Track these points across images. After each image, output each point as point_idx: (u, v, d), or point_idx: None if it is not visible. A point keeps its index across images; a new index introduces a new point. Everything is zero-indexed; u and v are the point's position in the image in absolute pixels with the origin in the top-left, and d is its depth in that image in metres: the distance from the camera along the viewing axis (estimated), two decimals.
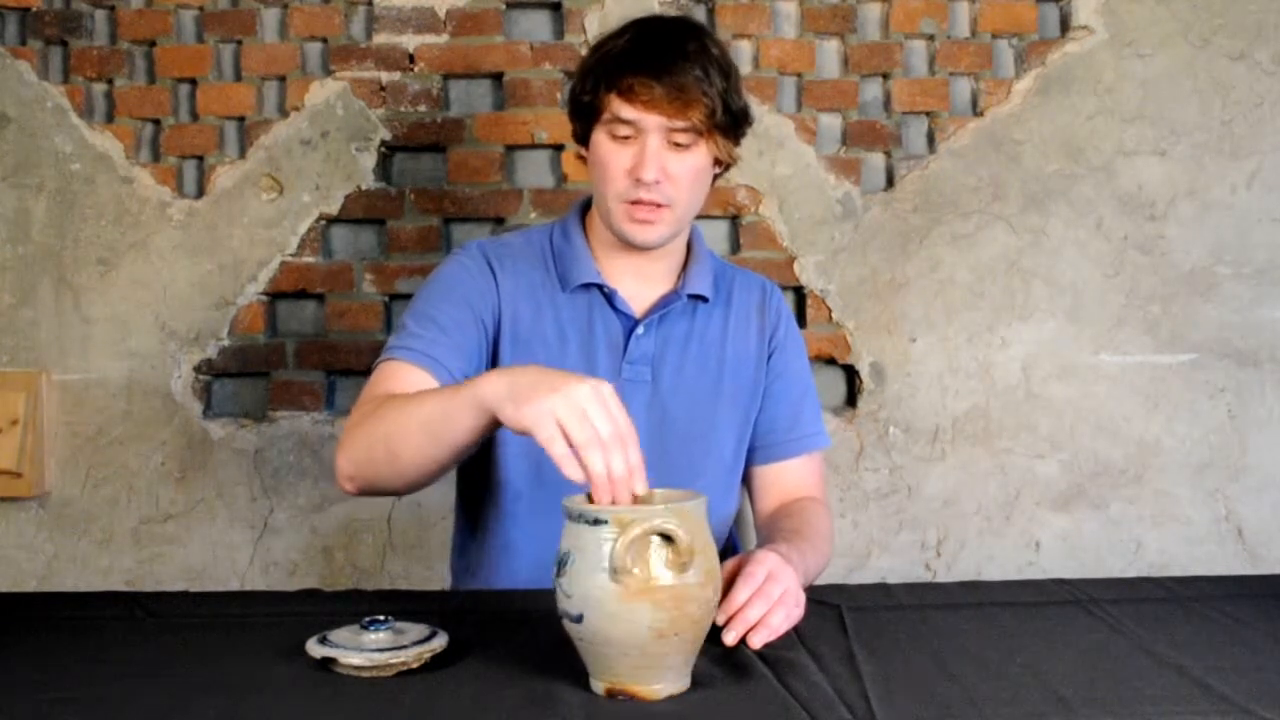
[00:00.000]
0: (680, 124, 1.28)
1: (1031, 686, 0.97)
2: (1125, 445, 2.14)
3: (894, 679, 0.98)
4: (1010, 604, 1.24)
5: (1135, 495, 2.14)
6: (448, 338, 1.31)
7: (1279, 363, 2.14)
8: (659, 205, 1.31)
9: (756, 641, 1.03)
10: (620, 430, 0.97)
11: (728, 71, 1.32)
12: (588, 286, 1.39)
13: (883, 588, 1.34)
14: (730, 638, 1.02)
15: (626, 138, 1.30)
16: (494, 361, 1.37)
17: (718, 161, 1.36)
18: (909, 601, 1.26)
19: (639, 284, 1.40)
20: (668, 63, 1.27)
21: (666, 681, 0.95)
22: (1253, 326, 2.14)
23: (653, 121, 1.28)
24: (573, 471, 0.96)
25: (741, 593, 1.05)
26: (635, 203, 1.30)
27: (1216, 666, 1.01)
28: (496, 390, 1.04)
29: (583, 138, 1.37)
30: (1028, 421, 2.13)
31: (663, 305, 1.40)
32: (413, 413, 1.15)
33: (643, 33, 1.32)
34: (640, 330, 1.38)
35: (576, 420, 0.96)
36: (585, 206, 1.45)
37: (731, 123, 1.32)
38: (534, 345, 1.37)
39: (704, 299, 1.43)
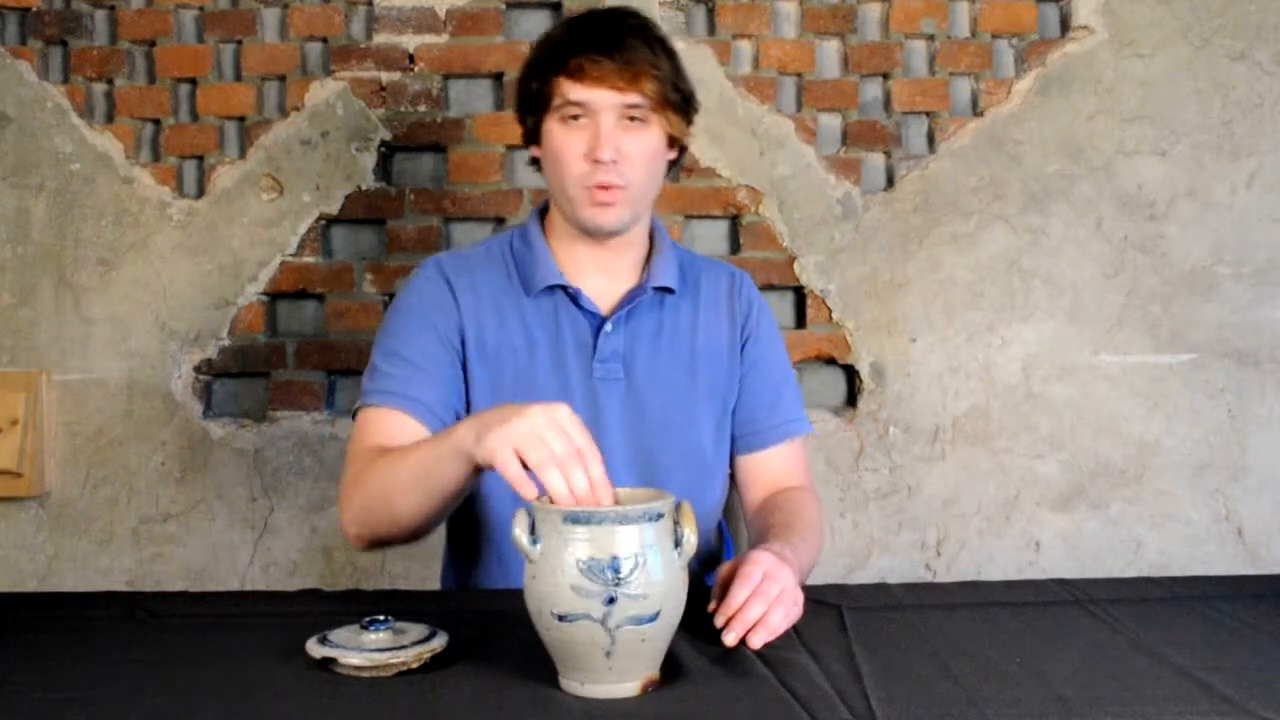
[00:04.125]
0: (633, 99, 1.28)
1: (1031, 686, 0.97)
2: (1125, 445, 2.14)
3: (894, 679, 0.99)
4: (1010, 604, 1.24)
5: (1135, 495, 2.14)
6: (420, 372, 1.32)
7: (1279, 363, 2.14)
8: (617, 187, 1.30)
9: (756, 641, 1.03)
10: (577, 446, 0.99)
11: (671, 53, 1.33)
12: (551, 289, 1.38)
13: (883, 588, 1.34)
14: (730, 638, 1.03)
15: (578, 118, 1.29)
16: (466, 377, 1.37)
17: (672, 144, 1.36)
18: (909, 601, 1.26)
19: (603, 281, 1.39)
20: (614, 39, 1.28)
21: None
22: (1253, 326, 2.14)
23: (604, 99, 1.28)
24: (527, 490, 0.99)
25: (740, 593, 1.05)
26: (596, 186, 1.30)
27: (1216, 666, 1.01)
28: (466, 434, 1.07)
29: (534, 134, 1.36)
30: (1028, 421, 2.13)
31: (629, 300, 1.39)
32: (403, 469, 1.18)
33: (583, 19, 1.35)
34: (608, 327, 1.37)
35: (532, 445, 0.99)
36: (544, 211, 1.45)
37: (682, 102, 1.33)
38: (502, 354, 1.36)
39: (670, 290, 1.41)
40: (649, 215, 1.42)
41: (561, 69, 1.29)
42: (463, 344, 1.36)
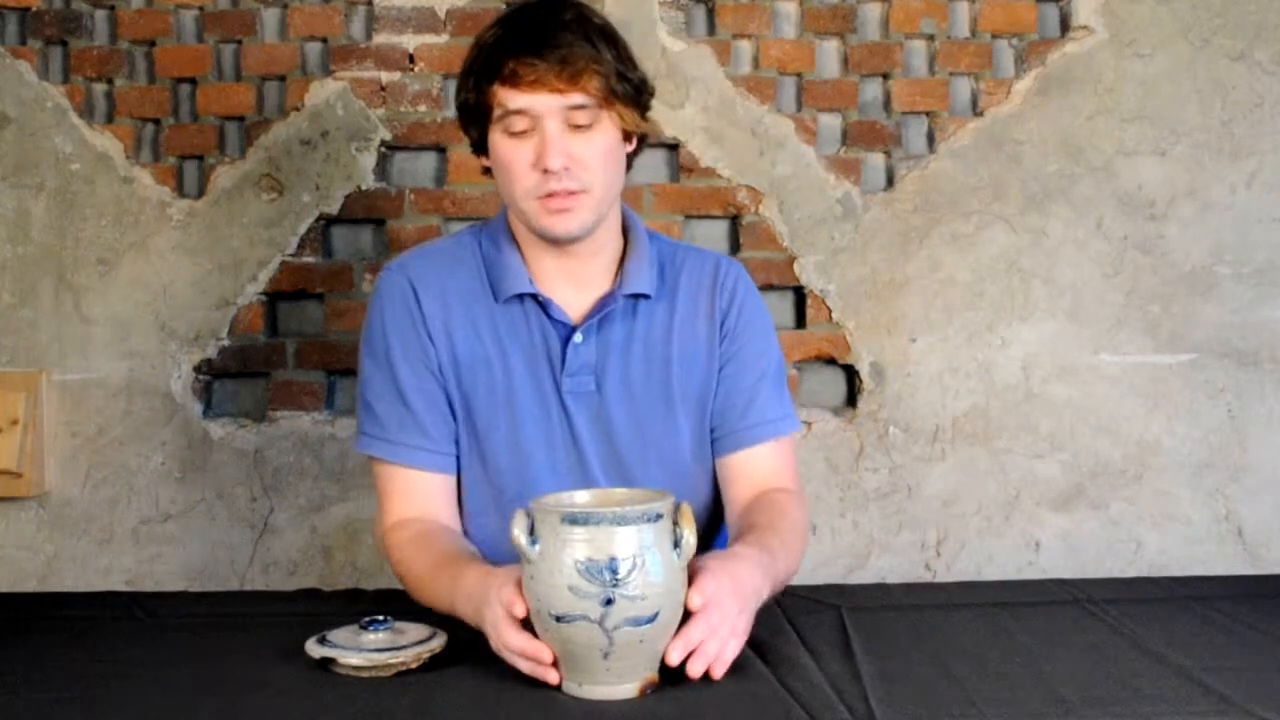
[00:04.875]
0: (576, 100, 1.20)
1: (1031, 686, 0.97)
2: (1125, 445, 2.14)
3: (894, 679, 0.99)
4: (1010, 604, 1.24)
5: (1135, 495, 2.14)
6: (414, 413, 1.30)
7: (1279, 363, 2.14)
8: (573, 193, 1.23)
9: (696, 669, 0.98)
10: (508, 659, 1.00)
11: (614, 40, 1.25)
12: (521, 296, 1.32)
13: (882, 588, 1.34)
14: (674, 658, 0.98)
15: (524, 132, 1.22)
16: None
17: (629, 136, 1.28)
18: (909, 601, 1.26)
19: (574, 288, 1.33)
20: (546, 37, 1.20)
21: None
22: (1253, 326, 2.14)
23: (546, 104, 1.20)
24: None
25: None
26: (549, 195, 1.23)
27: (1216, 666, 1.01)
28: (471, 616, 1.09)
29: (480, 144, 1.29)
30: (1028, 421, 2.13)
31: (600, 309, 1.32)
32: (436, 594, 1.19)
33: (515, 16, 1.25)
34: (578, 338, 1.31)
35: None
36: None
37: (632, 92, 1.25)
38: (475, 366, 1.32)
39: (645, 295, 1.34)
40: (617, 214, 1.35)
41: (496, 76, 1.21)
42: (438, 354, 1.32)
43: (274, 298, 2.14)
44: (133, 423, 2.11)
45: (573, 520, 0.94)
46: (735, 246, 2.14)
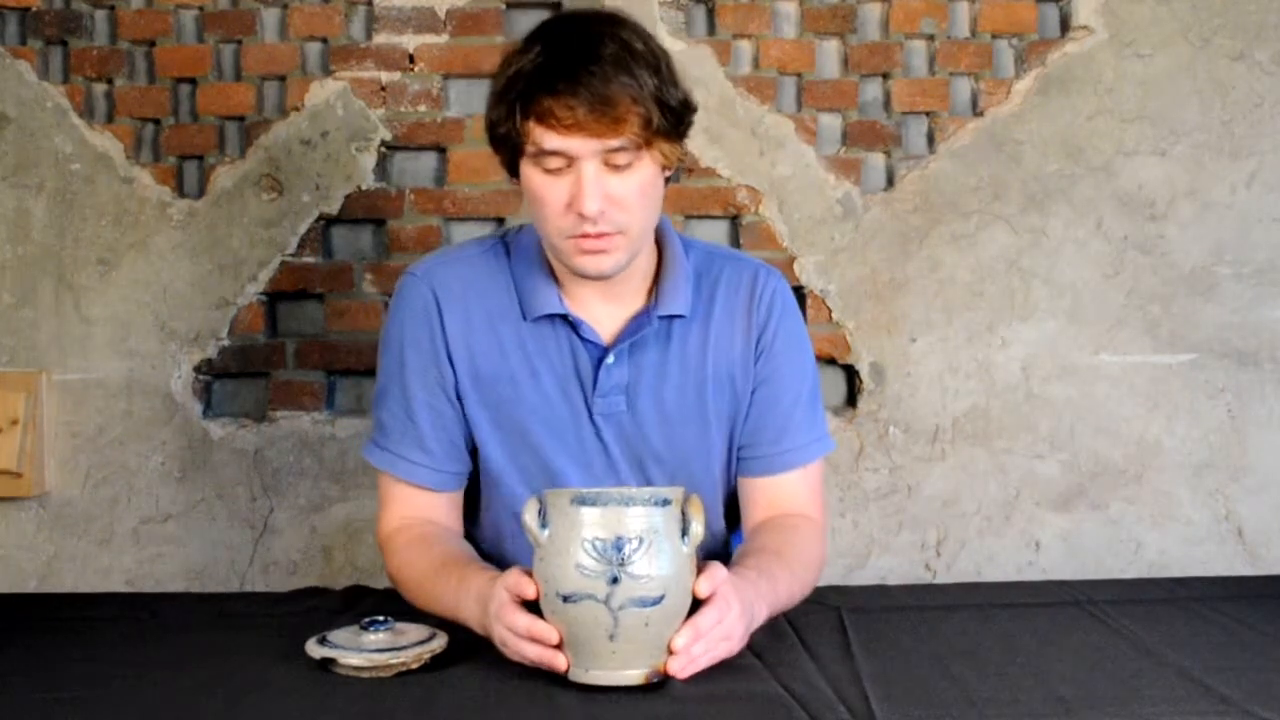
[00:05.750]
0: (614, 143, 1.14)
1: (1031, 686, 0.97)
2: (1125, 445, 2.14)
3: (894, 679, 0.99)
4: (1010, 604, 1.24)
5: (1135, 495, 2.14)
6: (417, 428, 1.29)
7: (1279, 363, 2.14)
8: (608, 234, 1.18)
9: (674, 666, 0.99)
10: (533, 643, 1.01)
11: (657, 64, 1.17)
12: (551, 315, 1.28)
13: (882, 589, 1.35)
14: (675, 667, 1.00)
15: (558, 169, 1.16)
16: (464, 407, 1.30)
17: (665, 166, 1.22)
18: (909, 602, 1.26)
19: (606, 304, 1.29)
20: (586, 75, 1.11)
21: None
22: (1253, 326, 2.14)
23: (583, 147, 1.13)
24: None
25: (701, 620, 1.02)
26: (583, 236, 1.17)
27: (1216, 666, 1.01)
28: (474, 620, 1.11)
29: (512, 168, 1.22)
30: (1028, 421, 2.13)
31: (633, 330, 1.28)
32: (433, 603, 1.20)
33: (552, 42, 1.16)
34: (610, 359, 1.27)
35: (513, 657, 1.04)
36: None
37: (673, 122, 1.18)
38: (500, 386, 1.28)
39: (679, 316, 1.30)
40: (651, 234, 1.29)
41: (529, 113, 1.14)
42: (455, 370, 1.29)
43: (274, 298, 2.14)
44: (133, 423, 2.11)
45: (582, 501, 0.97)
46: (735, 246, 2.14)
